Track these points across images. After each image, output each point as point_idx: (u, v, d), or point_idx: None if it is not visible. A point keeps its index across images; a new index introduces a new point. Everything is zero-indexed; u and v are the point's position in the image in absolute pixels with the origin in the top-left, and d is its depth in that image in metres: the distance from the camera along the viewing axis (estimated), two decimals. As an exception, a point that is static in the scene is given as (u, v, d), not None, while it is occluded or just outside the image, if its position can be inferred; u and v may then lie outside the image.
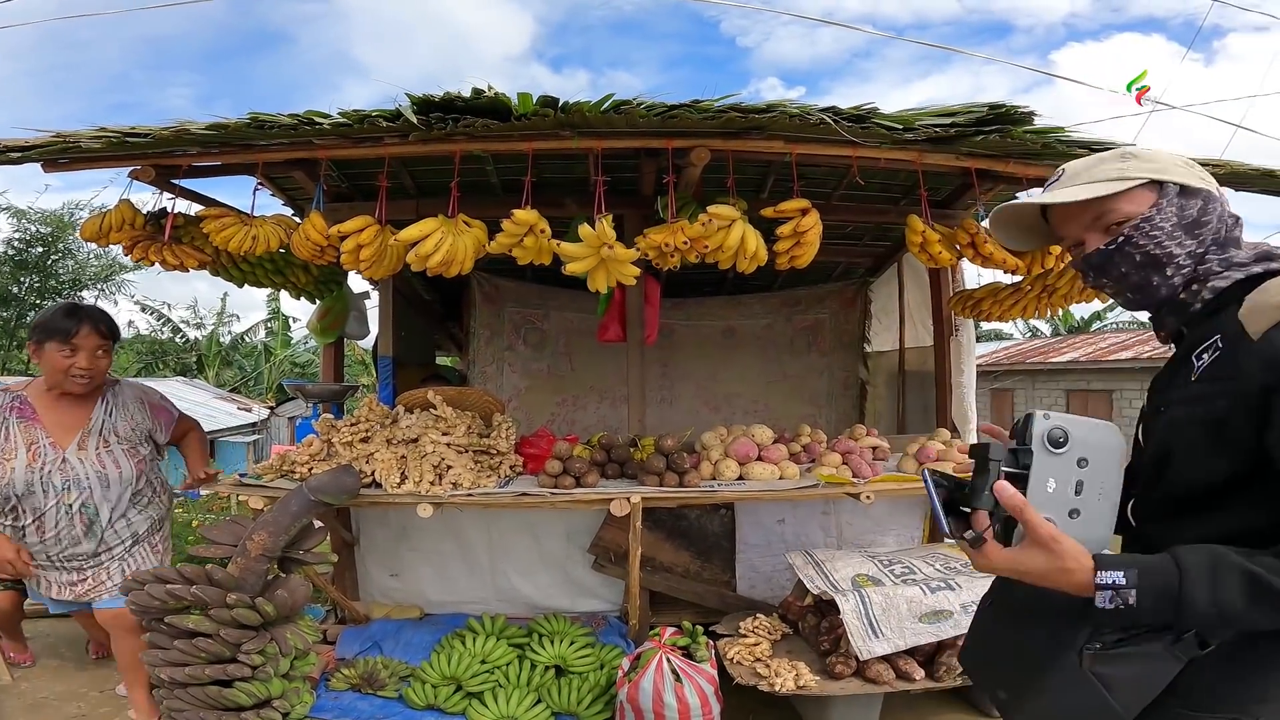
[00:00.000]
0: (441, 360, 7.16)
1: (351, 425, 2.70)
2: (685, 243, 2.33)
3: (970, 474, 0.87)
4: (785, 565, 2.91)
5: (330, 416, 2.85)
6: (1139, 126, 23.05)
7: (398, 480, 2.56)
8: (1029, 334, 20.19)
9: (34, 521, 2.29)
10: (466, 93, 2.24)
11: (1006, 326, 18.84)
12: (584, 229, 2.30)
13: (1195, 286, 0.98)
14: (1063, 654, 0.87)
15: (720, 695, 2.41)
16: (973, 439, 3.78)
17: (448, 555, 3.16)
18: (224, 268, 3.07)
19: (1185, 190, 1.00)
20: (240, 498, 2.61)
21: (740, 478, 2.83)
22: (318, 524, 2.43)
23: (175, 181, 2.69)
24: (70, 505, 2.29)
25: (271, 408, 16.14)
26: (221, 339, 20.59)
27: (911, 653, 2.46)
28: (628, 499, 2.56)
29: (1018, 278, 3.13)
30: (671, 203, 2.43)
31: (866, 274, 4.87)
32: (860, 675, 2.40)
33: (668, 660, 2.36)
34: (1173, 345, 1.07)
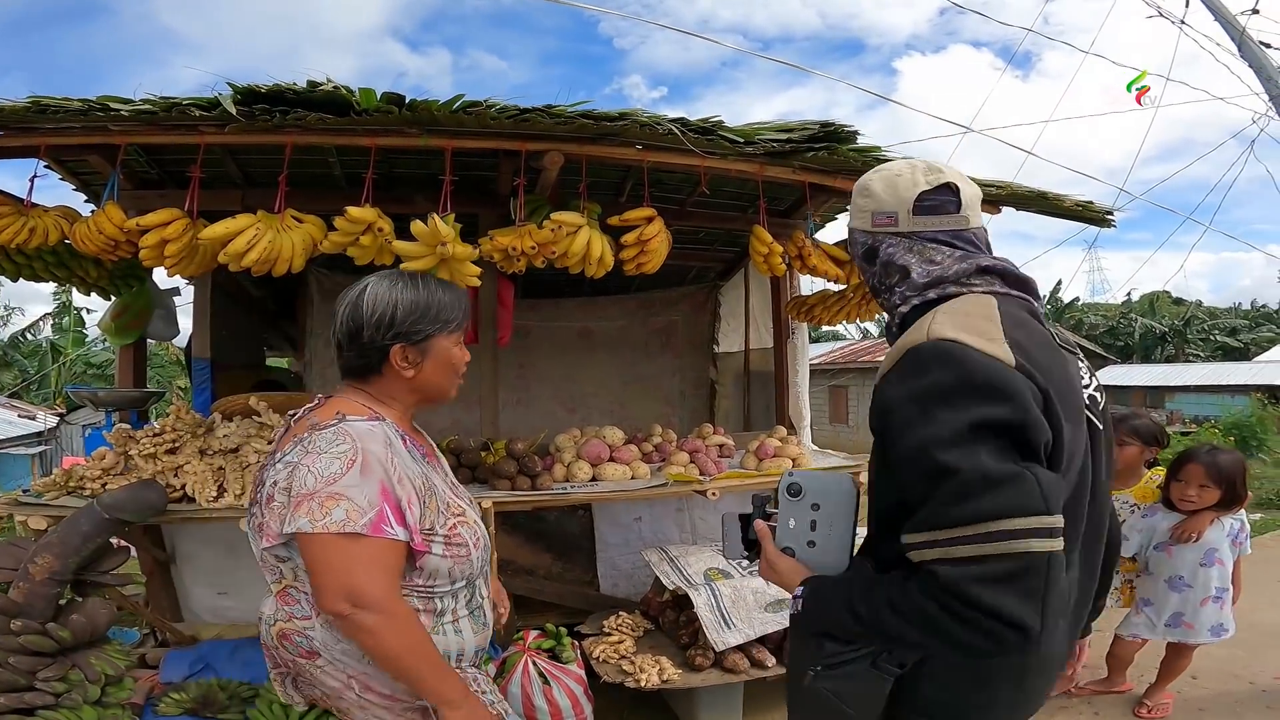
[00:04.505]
0: (275, 362, 6.57)
1: (154, 436, 2.42)
2: (533, 247, 2.31)
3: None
4: (645, 563, 2.97)
5: (127, 426, 2.52)
6: (954, 145, 26.09)
7: (214, 494, 2.33)
8: (861, 335, 22.19)
9: (486, 598, 1.41)
10: (301, 84, 2.11)
11: (842, 327, 20.61)
12: (418, 226, 2.21)
13: (892, 314, 1.11)
14: (798, 671, 1.05)
15: (590, 695, 2.42)
16: (808, 435, 4.09)
17: (286, 569, 2.92)
18: (-6, 259, 2.61)
19: (856, 233, 1.16)
20: (19, 518, 2.25)
21: (593, 479, 2.85)
22: (119, 543, 2.20)
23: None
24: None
25: (61, 415, 14.01)
26: (-5, 336, 17.50)
27: (763, 641, 2.60)
28: (478, 504, 2.49)
29: (842, 286, 3.42)
30: (520, 205, 2.41)
31: (717, 278, 5.09)
32: (719, 666, 2.50)
33: (533, 664, 2.34)
34: None
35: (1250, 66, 4.81)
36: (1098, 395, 1.10)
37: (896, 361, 0.93)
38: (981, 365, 0.86)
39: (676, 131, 2.30)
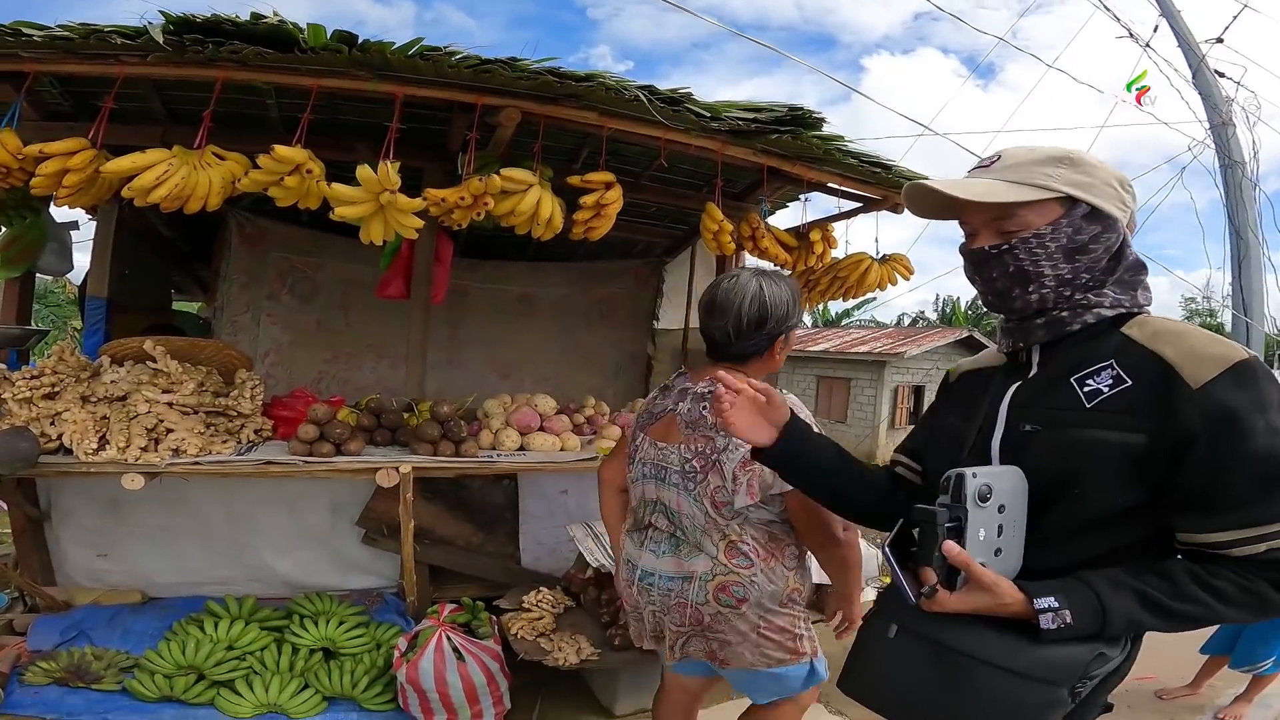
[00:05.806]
0: (184, 306, 6.10)
1: (31, 378, 2.19)
2: (463, 198, 2.19)
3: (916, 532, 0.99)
4: (569, 537, 2.92)
5: (3, 367, 2.26)
6: (909, 145, 26.81)
7: (95, 445, 2.13)
8: (794, 323, 22.63)
9: None
10: (244, 16, 1.94)
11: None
12: (364, 171, 2.07)
13: (1078, 309, 1.01)
14: (1051, 695, 0.93)
15: (508, 671, 2.36)
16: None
17: (176, 531, 2.72)
18: None
19: (1093, 214, 1.00)
20: None
21: (522, 448, 2.77)
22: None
23: None
24: None
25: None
26: None
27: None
28: (396, 469, 2.37)
29: (786, 271, 3.42)
30: (470, 161, 2.27)
31: (663, 254, 5.04)
32: (639, 646, 2.49)
33: (448, 639, 2.27)
34: (1013, 356, 1.09)
35: (1199, 93, 5.05)
36: None
37: (1226, 370, 0.92)
38: None
39: (644, 98, 2.21)
